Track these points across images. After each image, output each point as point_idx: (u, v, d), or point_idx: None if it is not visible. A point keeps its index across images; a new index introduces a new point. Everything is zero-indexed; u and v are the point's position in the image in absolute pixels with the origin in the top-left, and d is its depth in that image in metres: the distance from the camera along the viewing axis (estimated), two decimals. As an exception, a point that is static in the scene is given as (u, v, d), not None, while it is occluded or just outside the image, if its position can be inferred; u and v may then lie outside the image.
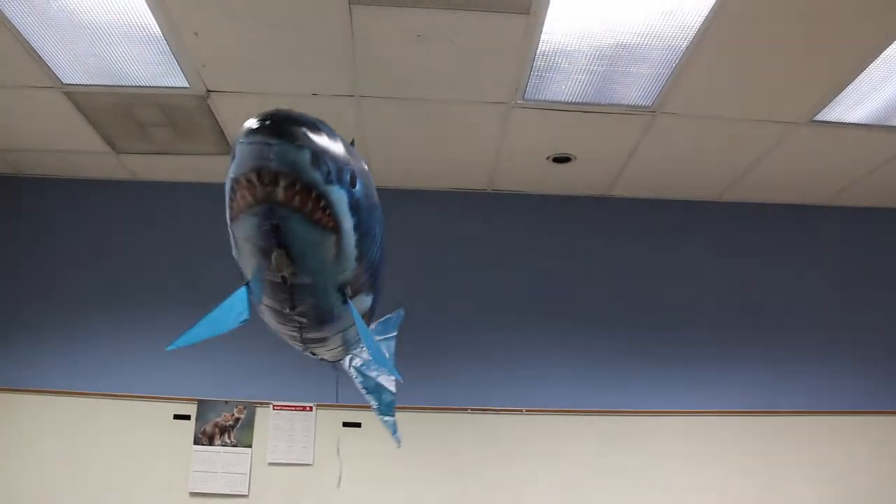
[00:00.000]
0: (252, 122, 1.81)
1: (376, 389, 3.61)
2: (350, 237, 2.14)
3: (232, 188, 1.91)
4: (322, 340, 2.80)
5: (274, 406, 4.49)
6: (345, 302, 2.41)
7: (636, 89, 3.75)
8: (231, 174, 1.88)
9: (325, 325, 2.59)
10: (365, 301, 2.58)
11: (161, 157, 4.62)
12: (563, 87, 3.74)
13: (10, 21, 3.29)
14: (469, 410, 4.55)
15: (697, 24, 3.22)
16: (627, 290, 4.89)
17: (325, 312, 2.45)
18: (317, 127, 1.90)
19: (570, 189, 4.98)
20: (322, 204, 1.94)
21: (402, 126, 4.18)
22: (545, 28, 3.26)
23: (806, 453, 4.60)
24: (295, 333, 2.66)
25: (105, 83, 3.80)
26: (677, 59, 3.48)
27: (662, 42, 3.36)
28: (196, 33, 3.36)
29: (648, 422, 4.58)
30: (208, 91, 3.83)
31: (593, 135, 4.20)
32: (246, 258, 2.15)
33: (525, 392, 4.60)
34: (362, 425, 4.48)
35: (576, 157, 4.49)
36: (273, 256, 2.00)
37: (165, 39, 3.40)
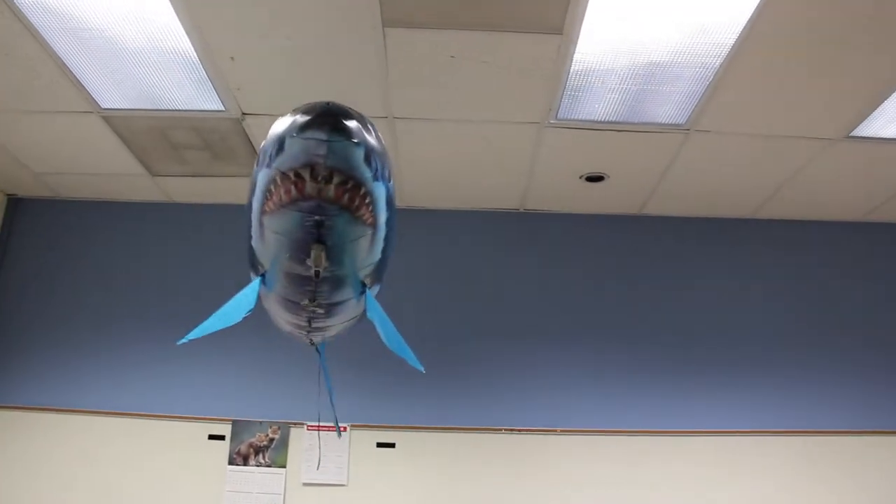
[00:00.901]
0: (304, 115, 1.75)
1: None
2: (382, 232, 2.14)
3: (273, 180, 1.85)
4: (327, 329, 2.77)
5: (308, 426, 4.50)
6: (362, 293, 2.41)
7: (669, 107, 3.74)
8: (275, 166, 1.82)
9: (338, 316, 2.57)
10: (373, 291, 2.56)
11: (196, 180, 4.67)
12: (596, 107, 3.74)
13: (52, 49, 3.36)
14: (503, 431, 4.52)
15: (731, 42, 3.20)
16: (661, 309, 4.85)
17: (342, 304, 2.44)
18: (365, 121, 1.85)
19: (602, 208, 4.96)
20: (367, 201, 1.91)
21: (435, 147, 4.20)
22: (578, 48, 3.26)
23: (849, 473, 4.51)
24: (303, 324, 2.63)
25: (142, 107, 3.86)
26: (711, 76, 3.46)
27: (696, 60, 3.34)
28: (232, 58, 3.41)
29: (685, 441, 4.53)
30: (243, 114, 3.87)
31: (626, 153, 4.19)
32: (274, 251, 2.10)
33: (559, 412, 4.57)
34: (396, 445, 4.47)
35: (608, 176, 4.48)
36: (312, 252, 1.96)
37: (202, 64, 3.45)
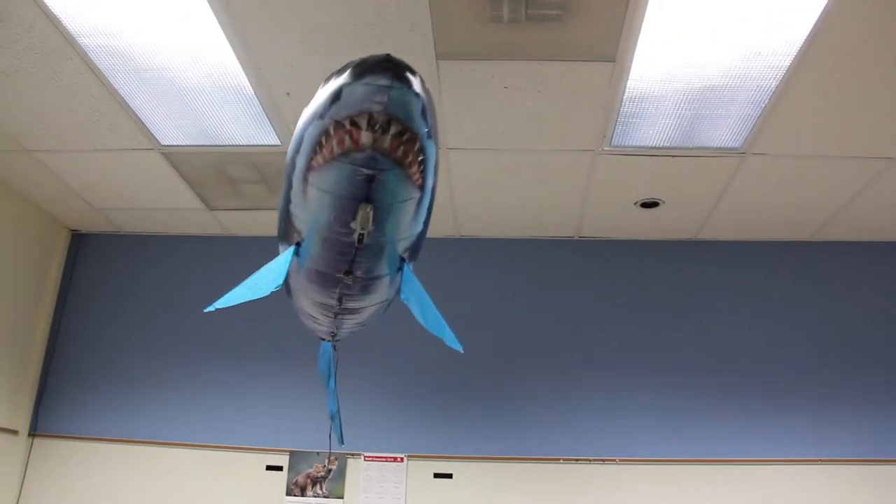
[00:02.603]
0: (362, 64, 1.71)
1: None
2: (427, 198, 2.09)
3: (325, 132, 1.81)
4: (357, 311, 2.66)
5: (365, 457, 4.50)
6: (400, 268, 2.34)
7: (725, 131, 3.70)
8: (329, 115, 1.77)
9: (371, 296, 2.48)
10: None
11: (252, 213, 4.74)
12: (651, 132, 3.71)
13: (115, 89, 3.46)
14: (561, 460, 4.47)
15: (786, 64, 3.16)
16: (720, 335, 4.76)
17: (377, 280, 2.36)
18: (420, 77, 1.81)
19: (657, 234, 4.91)
20: (420, 158, 1.87)
21: (489, 176, 4.21)
22: (631, 74, 3.25)
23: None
24: (333, 303, 2.51)
25: (200, 143, 3.95)
26: (767, 99, 3.42)
27: (751, 83, 3.31)
28: (287, 93, 3.47)
29: (747, 471, 4.41)
30: (299, 148, 3.93)
31: (681, 178, 4.15)
32: (316, 212, 2.02)
33: (618, 441, 4.50)
34: (454, 476, 4.45)
35: (664, 202, 4.44)
36: (359, 212, 1.91)
37: (258, 99, 3.52)
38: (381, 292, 2.50)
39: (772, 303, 4.84)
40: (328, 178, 1.89)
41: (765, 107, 3.48)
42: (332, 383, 3.76)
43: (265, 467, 4.53)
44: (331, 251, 2.17)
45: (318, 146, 1.85)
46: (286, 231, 2.34)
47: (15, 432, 4.59)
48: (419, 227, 2.21)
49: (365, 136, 1.75)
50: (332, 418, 3.94)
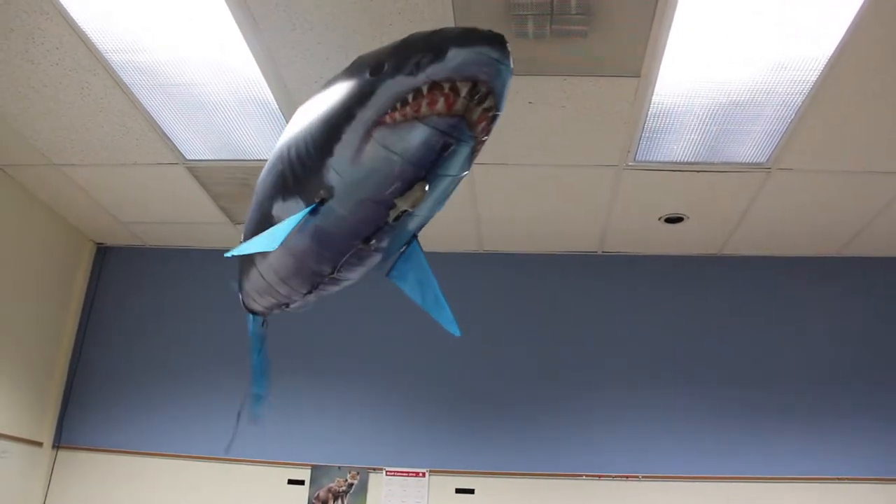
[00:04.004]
0: (473, 31, 1.70)
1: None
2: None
3: (417, 89, 1.74)
4: (340, 283, 2.49)
5: (387, 472, 4.49)
6: (408, 243, 2.31)
7: (750, 146, 3.68)
8: (427, 74, 1.72)
9: (368, 265, 2.36)
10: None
11: (276, 226, 4.75)
12: (675, 148, 3.70)
13: (142, 104, 3.49)
14: (584, 476, 4.44)
15: (813, 78, 3.14)
16: (744, 350, 4.71)
17: (388, 250, 2.27)
18: None
19: (682, 249, 4.88)
20: (484, 139, 1.87)
21: (514, 192, 4.21)
22: (656, 89, 3.24)
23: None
24: (327, 270, 2.34)
25: (224, 157, 3.98)
26: (793, 114, 3.39)
27: (776, 98, 3.29)
28: (312, 108, 3.48)
29: (773, 489, 4.36)
30: (322, 162, 3.94)
31: (706, 194, 4.13)
32: (370, 172, 1.90)
33: (640, 458, 4.46)
34: (476, 491, 4.42)
35: (688, 217, 4.41)
36: (414, 191, 1.88)
37: (283, 114, 3.53)
38: (375, 265, 2.40)
39: (798, 318, 4.79)
40: (400, 138, 1.81)
41: (790, 122, 3.45)
42: (257, 358, 3.57)
43: (287, 481, 4.53)
44: (360, 216, 2.05)
45: (400, 102, 1.78)
46: (295, 186, 2.15)
47: (39, 444, 4.62)
48: (440, 208, 2.17)
49: (461, 103, 1.72)
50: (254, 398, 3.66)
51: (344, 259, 2.27)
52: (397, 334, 4.78)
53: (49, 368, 4.77)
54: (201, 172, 4.13)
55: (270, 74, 3.26)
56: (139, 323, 5.01)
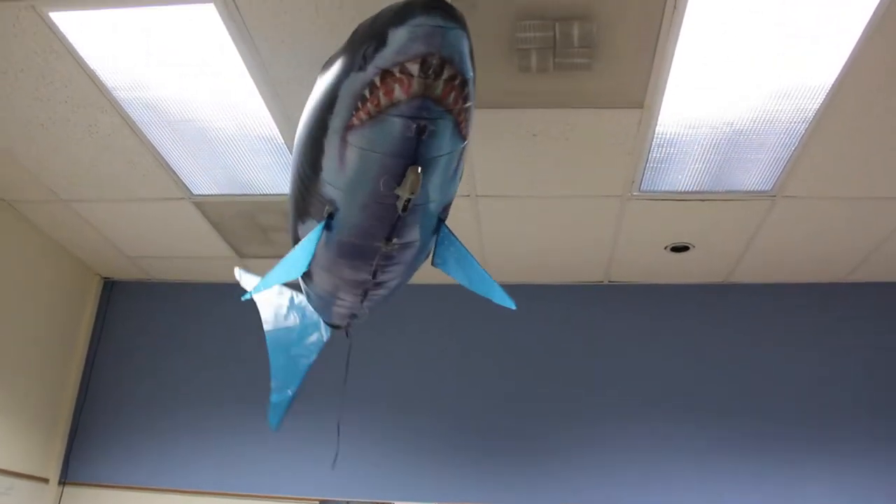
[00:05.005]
0: (407, 4, 1.59)
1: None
2: (465, 151, 1.96)
3: (370, 83, 1.68)
4: (388, 284, 2.46)
5: (394, 507, 4.47)
6: (437, 231, 2.20)
7: (754, 175, 3.68)
8: (375, 64, 1.65)
9: (403, 265, 2.31)
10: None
11: (283, 260, 4.76)
12: (680, 177, 3.71)
13: (149, 140, 3.53)
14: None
15: (815, 106, 3.14)
16: (754, 380, 4.66)
17: (417, 242, 2.20)
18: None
19: (688, 278, 4.87)
20: (466, 106, 1.76)
21: (518, 223, 4.22)
22: (660, 120, 3.25)
23: None
24: (366, 277, 2.32)
25: (231, 192, 4.00)
26: (796, 142, 3.40)
27: (779, 126, 3.29)
28: (318, 142, 3.50)
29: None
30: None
31: (712, 222, 4.13)
32: (359, 175, 1.87)
33: (649, 490, 4.41)
34: (487, 525, 4.40)
35: (694, 246, 4.41)
36: (408, 176, 1.78)
37: (288, 148, 3.55)
38: (417, 261, 2.37)
39: (806, 345, 4.75)
40: (373, 136, 1.76)
41: (794, 150, 3.45)
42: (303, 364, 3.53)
43: (295, 515, 4.51)
44: (370, 219, 2.02)
45: (360, 101, 1.73)
46: (306, 207, 2.17)
47: (45, 480, 4.61)
48: (457, 184, 2.10)
49: (417, 83, 1.64)
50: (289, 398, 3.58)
51: (375, 263, 2.24)
52: (403, 368, 4.78)
53: (55, 403, 4.77)
54: (208, 207, 4.16)
55: (276, 110, 3.28)
56: (146, 357, 5.02)
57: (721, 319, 4.87)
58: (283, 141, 3.50)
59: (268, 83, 3.12)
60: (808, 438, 4.48)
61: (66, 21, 2.81)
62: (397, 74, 1.64)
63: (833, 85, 3.01)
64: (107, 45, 2.93)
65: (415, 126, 1.71)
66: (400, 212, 1.92)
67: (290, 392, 3.53)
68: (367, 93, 1.70)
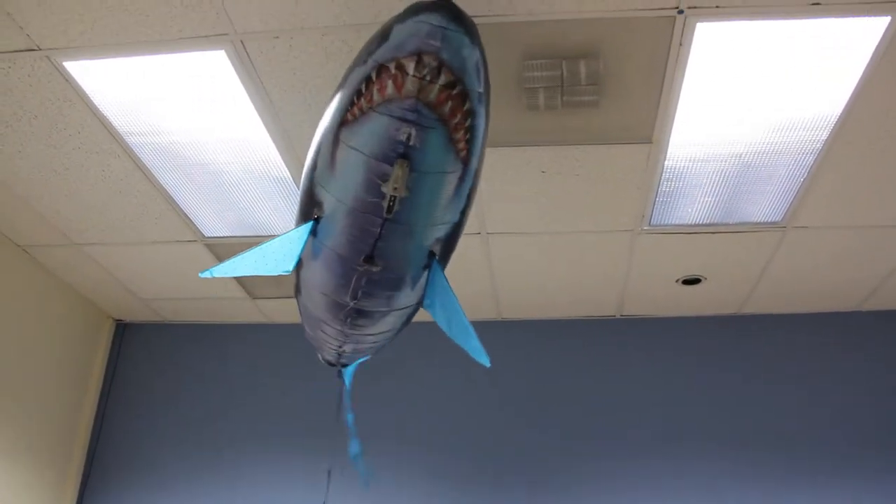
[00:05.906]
0: (419, 2, 1.54)
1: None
2: (469, 180, 1.83)
3: (366, 78, 1.61)
4: (371, 318, 2.32)
5: (410, 545, 4.42)
6: (426, 266, 2.07)
7: (764, 206, 3.68)
8: (373, 59, 1.58)
9: (389, 294, 2.17)
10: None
11: (293, 301, 4.75)
12: (690, 210, 3.71)
13: (161, 184, 3.56)
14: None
15: (823, 137, 3.15)
16: (767, 412, 4.61)
17: (401, 272, 2.07)
18: (478, 32, 1.61)
19: (700, 310, 4.85)
20: (467, 124, 1.66)
21: (529, 260, 4.22)
22: (668, 154, 3.27)
23: None
24: (346, 299, 2.18)
25: (242, 234, 4.02)
26: (805, 172, 3.40)
27: (788, 157, 3.30)
28: (328, 183, 3.53)
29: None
30: (339, 236, 3.97)
31: (723, 255, 4.12)
32: (345, 176, 1.78)
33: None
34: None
35: (705, 278, 4.40)
36: (394, 170, 1.67)
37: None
38: (402, 296, 2.23)
39: (820, 375, 4.71)
40: (362, 133, 1.69)
41: (803, 180, 3.46)
42: (349, 418, 3.46)
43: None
44: (355, 227, 1.91)
45: (356, 95, 1.67)
46: (304, 210, 2.09)
47: (59, 526, 4.59)
48: (456, 216, 1.96)
49: (410, 83, 1.56)
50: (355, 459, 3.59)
51: (354, 281, 2.12)
52: (416, 404, 4.76)
53: (68, 446, 4.75)
54: (220, 249, 4.17)
55: (287, 153, 3.31)
56: (160, 400, 5.00)
57: (734, 351, 4.84)
58: (293, 183, 3.53)
59: (278, 127, 3.15)
60: (825, 471, 4.42)
61: (80, 70, 2.86)
62: (392, 70, 1.59)
63: (841, 115, 3.02)
64: (119, 92, 2.97)
65: (400, 128, 1.63)
66: (385, 213, 1.82)
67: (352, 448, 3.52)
68: (363, 87, 1.65)
